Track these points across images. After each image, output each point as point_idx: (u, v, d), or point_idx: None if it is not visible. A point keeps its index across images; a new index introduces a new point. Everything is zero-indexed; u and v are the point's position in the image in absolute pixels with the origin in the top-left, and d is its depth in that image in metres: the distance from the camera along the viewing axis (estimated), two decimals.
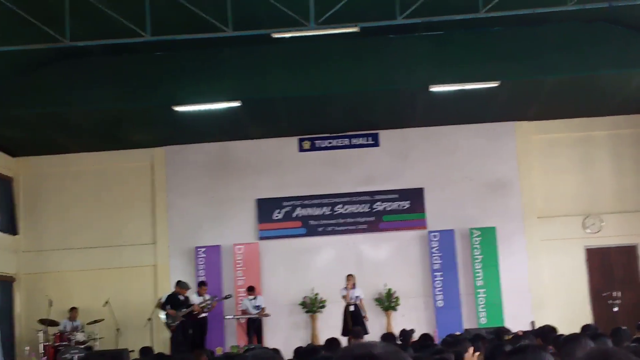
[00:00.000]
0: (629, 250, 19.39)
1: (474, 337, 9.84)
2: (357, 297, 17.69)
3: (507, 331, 11.94)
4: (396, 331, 14.58)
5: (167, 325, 17.35)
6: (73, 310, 18.58)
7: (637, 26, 15.61)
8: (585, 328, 10.22)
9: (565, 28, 15.80)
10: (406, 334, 11.68)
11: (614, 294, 18.67)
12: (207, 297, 17.77)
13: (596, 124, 19.59)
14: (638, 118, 19.44)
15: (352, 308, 17.59)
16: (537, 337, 9.20)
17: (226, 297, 18.05)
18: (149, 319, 17.99)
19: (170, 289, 18.26)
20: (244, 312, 18.11)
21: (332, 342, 10.25)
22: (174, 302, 17.37)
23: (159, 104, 16.83)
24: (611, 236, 19.28)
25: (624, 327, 8.62)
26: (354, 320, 17.33)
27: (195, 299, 17.81)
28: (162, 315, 17.62)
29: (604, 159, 19.63)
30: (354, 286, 17.72)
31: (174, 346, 17.05)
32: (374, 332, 16.00)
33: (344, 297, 17.68)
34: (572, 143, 19.71)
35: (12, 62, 15.47)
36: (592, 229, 19.34)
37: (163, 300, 17.68)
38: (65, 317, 18.52)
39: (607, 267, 19.38)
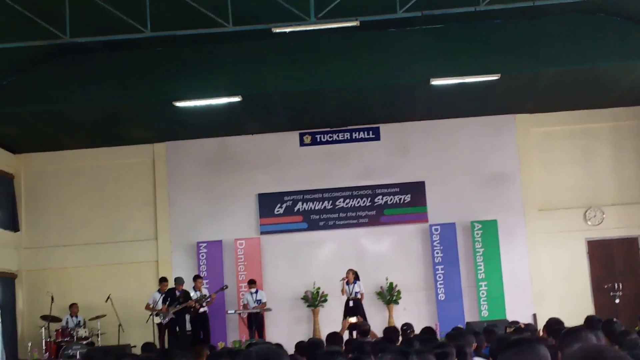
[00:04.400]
0: (630, 242, 19.40)
1: (484, 330, 9.90)
2: (356, 292, 17.68)
3: (515, 323, 11.99)
4: (398, 325, 14.60)
5: (160, 320, 17.41)
6: (73, 306, 18.61)
7: (636, 18, 15.61)
8: (588, 319, 10.21)
9: (564, 20, 15.80)
10: (409, 327, 11.70)
11: (616, 285, 18.71)
12: (201, 292, 17.79)
13: (596, 116, 19.58)
14: (638, 110, 19.43)
15: (351, 304, 17.62)
16: (543, 330, 9.23)
17: (222, 289, 18.02)
18: (154, 314, 17.99)
19: (172, 284, 18.34)
20: (245, 306, 18.12)
21: (334, 336, 10.26)
22: (170, 298, 17.39)
23: (159, 99, 16.83)
24: (612, 228, 19.30)
25: (615, 320, 8.61)
26: (353, 315, 17.37)
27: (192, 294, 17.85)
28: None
29: (604, 151, 19.63)
30: (354, 281, 17.73)
31: (161, 343, 17.02)
32: (375, 326, 16.01)
33: (342, 290, 17.75)
34: (572, 135, 19.70)
35: (12, 59, 15.48)
36: (593, 221, 19.35)
37: (155, 301, 17.65)
38: (67, 313, 18.57)
39: (608, 259, 19.40)
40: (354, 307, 17.57)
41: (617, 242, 19.44)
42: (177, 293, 17.45)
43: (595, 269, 19.37)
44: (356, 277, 17.81)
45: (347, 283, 17.71)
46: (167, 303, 17.32)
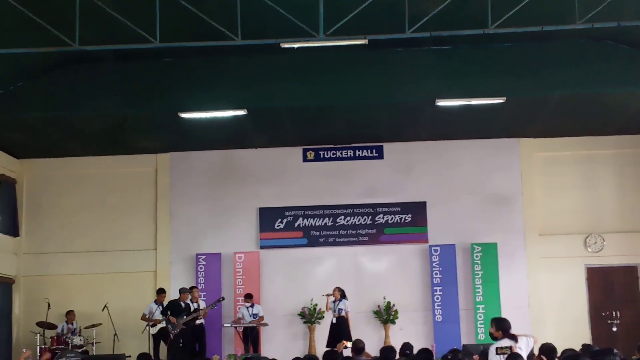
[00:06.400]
0: (629, 270, 19.36)
1: (480, 353, 9.88)
2: (340, 309, 17.61)
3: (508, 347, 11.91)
4: (393, 344, 14.54)
5: (168, 331, 17.20)
6: (69, 313, 18.57)
7: None
8: (585, 348, 10.20)
9: (572, 45, 15.83)
10: (409, 347, 11.67)
11: (614, 313, 18.67)
12: (198, 304, 17.66)
13: (600, 143, 19.60)
14: None
15: (334, 320, 17.59)
16: (538, 355, 9.22)
17: (219, 301, 17.90)
18: (150, 325, 17.91)
19: (169, 295, 18.33)
20: (240, 320, 18.04)
21: (331, 354, 10.24)
22: (174, 309, 17.23)
23: (165, 110, 16.81)
24: (612, 255, 19.26)
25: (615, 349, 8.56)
26: (337, 333, 17.32)
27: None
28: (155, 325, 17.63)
29: (607, 178, 19.63)
30: (340, 299, 17.64)
31: (171, 354, 16.90)
32: (372, 345, 15.95)
33: (326, 306, 17.77)
34: (575, 161, 19.71)
35: (21, 65, 15.51)
36: (593, 248, 19.32)
37: (152, 312, 17.59)
38: (63, 320, 18.53)
39: (607, 287, 19.35)
40: (337, 325, 17.54)
41: (616, 269, 19.39)
42: (182, 304, 17.29)
43: (593, 296, 19.32)
44: (342, 295, 17.75)
45: (334, 301, 17.65)
46: (169, 313, 17.10)
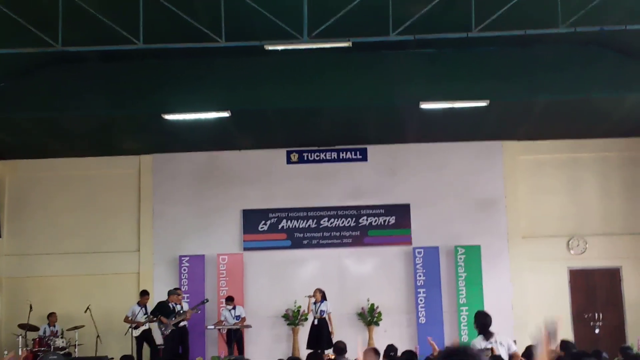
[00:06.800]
0: (612, 272, 19.44)
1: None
2: (322, 311, 17.61)
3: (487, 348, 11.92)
4: (377, 346, 14.52)
5: (160, 331, 17.23)
6: (51, 315, 18.48)
7: (628, 51, 15.71)
8: (563, 344, 10.22)
9: (557, 50, 15.88)
10: (393, 349, 11.65)
11: (596, 315, 18.74)
12: (181, 306, 17.66)
13: (584, 147, 19.69)
14: (626, 141, 19.55)
15: (316, 322, 17.60)
16: (522, 356, 9.26)
17: (203, 303, 17.89)
18: (133, 327, 17.84)
19: (153, 296, 18.27)
20: (223, 322, 18.00)
21: (315, 356, 10.23)
22: (164, 310, 17.23)
23: (149, 111, 16.72)
24: (595, 258, 19.35)
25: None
26: (317, 335, 17.31)
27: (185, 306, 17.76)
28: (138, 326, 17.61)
29: (591, 181, 19.72)
30: (321, 300, 17.65)
31: (165, 355, 16.93)
32: (355, 348, 15.88)
33: (307, 307, 17.78)
34: (559, 164, 19.80)
35: (5, 65, 15.40)
36: (576, 250, 19.40)
37: (134, 314, 17.59)
38: (46, 322, 18.43)
39: (590, 289, 19.44)
40: (318, 326, 17.53)
41: (599, 272, 19.48)
42: (171, 305, 17.31)
43: (576, 299, 19.40)
44: (323, 297, 17.75)
45: (315, 302, 17.65)
46: (158, 314, 17.13)
